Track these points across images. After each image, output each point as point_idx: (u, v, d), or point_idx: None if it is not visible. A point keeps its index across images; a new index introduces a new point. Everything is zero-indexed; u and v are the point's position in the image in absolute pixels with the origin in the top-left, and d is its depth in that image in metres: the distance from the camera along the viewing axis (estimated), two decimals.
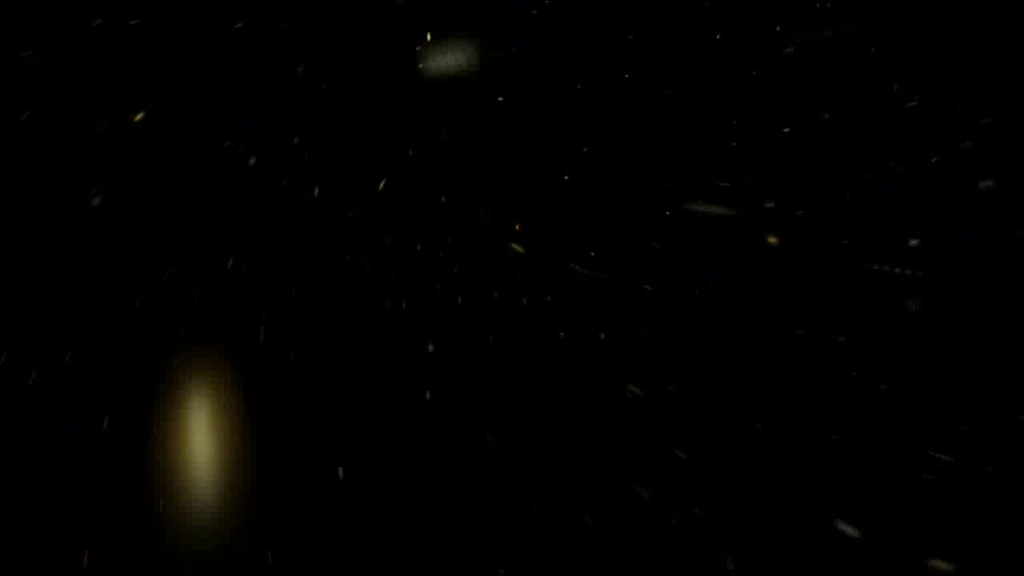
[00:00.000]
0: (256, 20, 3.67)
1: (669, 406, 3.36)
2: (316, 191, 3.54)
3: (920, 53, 3.25)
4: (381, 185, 3.50)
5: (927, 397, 3.26)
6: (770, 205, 3.01)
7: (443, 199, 3.55)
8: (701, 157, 3.31)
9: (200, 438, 3.38)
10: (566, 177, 3.55)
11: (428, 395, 3.48)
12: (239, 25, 3.53)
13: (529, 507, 3.43)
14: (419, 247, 3.55)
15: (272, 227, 3.67)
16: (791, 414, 3.32)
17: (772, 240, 3.01)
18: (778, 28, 3.46)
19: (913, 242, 2.84)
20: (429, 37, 3.51)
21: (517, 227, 3.56)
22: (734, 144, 3.20)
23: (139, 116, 3.48)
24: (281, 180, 3.63)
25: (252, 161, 3.52)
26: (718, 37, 3.66)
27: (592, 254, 3.49)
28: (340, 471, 3.27)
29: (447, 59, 3.13)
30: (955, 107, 2.90)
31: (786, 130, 3.06)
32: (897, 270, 2.89)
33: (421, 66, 3.36)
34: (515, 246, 3.13)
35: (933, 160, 2.89)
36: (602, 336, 3.52)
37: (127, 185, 3.59)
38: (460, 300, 3.46)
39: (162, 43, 3.62)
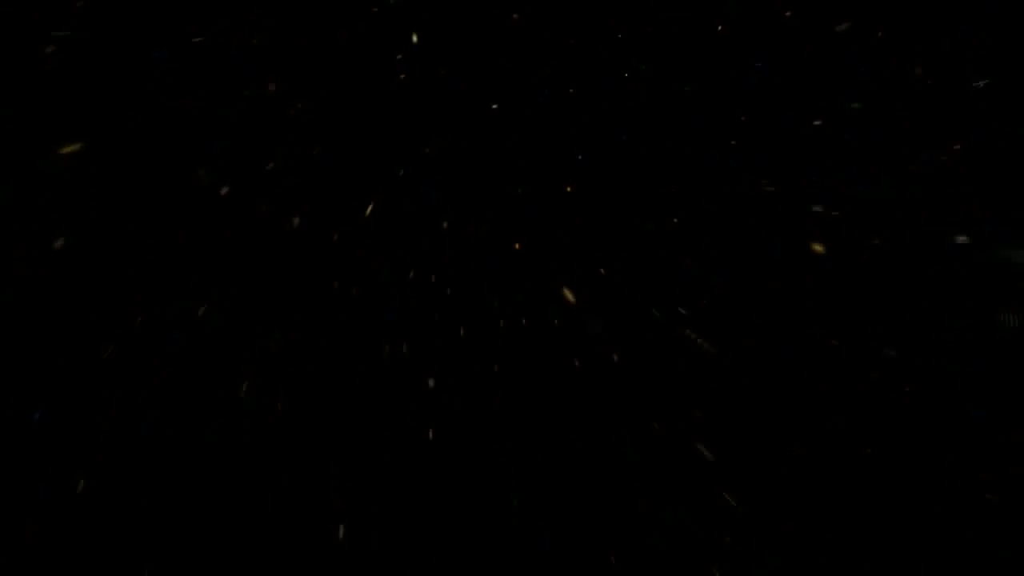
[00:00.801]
0: (221, 36, 3.40)
1: (696, 434, 3.08)
2: (296, 219, 3.25)
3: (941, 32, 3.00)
4: (368, 210, 3.21)
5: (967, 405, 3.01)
6: (817, 209, 2.74)
7: (435, 219, 3.27)
8: (728, 159, 3.04)
9: (182, 498, 3.09)
10: (568, 189, 3.28)
11: (431, 434, 3.20)
12: (199, 40, 3.24)
13: (543, 546, 3.16)
14: (412, 272, 3.27)
15: (252, 260, 3.39)
16: (830, 433, 3.06)
17: (817, 248, 2.74)
18: (788, 14, 3.20)
19: (961, 239, 2.58)
20: (415, 39, 3.23)
21: (517, 246, 3.28)
22: (756, 141, 2.94)
23: (91, 146, 3.19)
24: (258, 209, 3.34)
25: (224, 191, 3.23)
26: (720, 28, 3.40)
27: (601, 271, 3.21)
28: (340, 530, 2.99)
29: None
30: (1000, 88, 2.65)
31: (817, 123, 2.80)
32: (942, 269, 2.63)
33: None
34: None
35: (978, 149, 2.64)
36: (616, 358, 3.24)
37: (90, 224, 3.31)
38: (462, 330, 3.17)
39: (118, 65, 3.35)
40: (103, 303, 3.22)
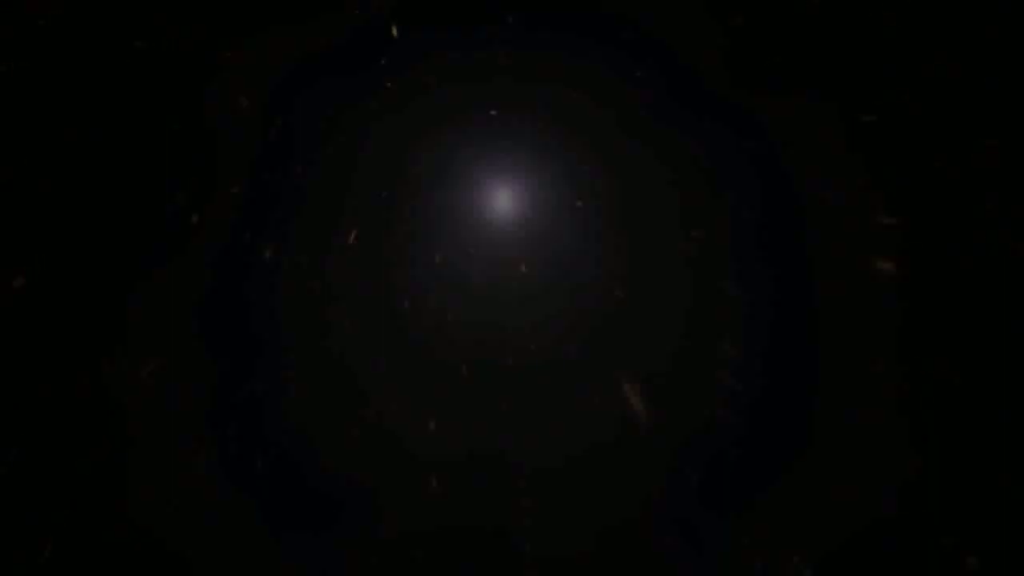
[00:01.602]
0: (196, 50, 3.11)
1: (728, 473, 2.74)
2: (270, 249, 2.92)
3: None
4: (352, 237, 2.89)
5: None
6: (889, 221, 2.41)
7: (429, 243, 2.94)
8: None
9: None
10: (579, 203, 2.94)
11: (435, 482, 2.87)
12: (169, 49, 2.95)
13: None
14: (407, 302, 2.94)
15: (234, 292, 3.08)
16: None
17: (885, 265, 2.41)
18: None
19: None
20: (395, 32, 2.91)
21: (523, 267, 2.95)
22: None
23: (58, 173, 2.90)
24: (235, 236, 3.03)
25: (195, 218, 2.92)
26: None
27: (618, 294, 2.88)
28: None
29: None
30: None
31: (869, 119, 2.47)
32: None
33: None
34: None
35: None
36: (631, 385, 2.90)
37: (54, 258, 2.99)
38: (464, 367, 2.84)
39: (86, 84, 3.07)
40: (67, 346, 2.91)
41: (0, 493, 2.83)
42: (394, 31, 2.84)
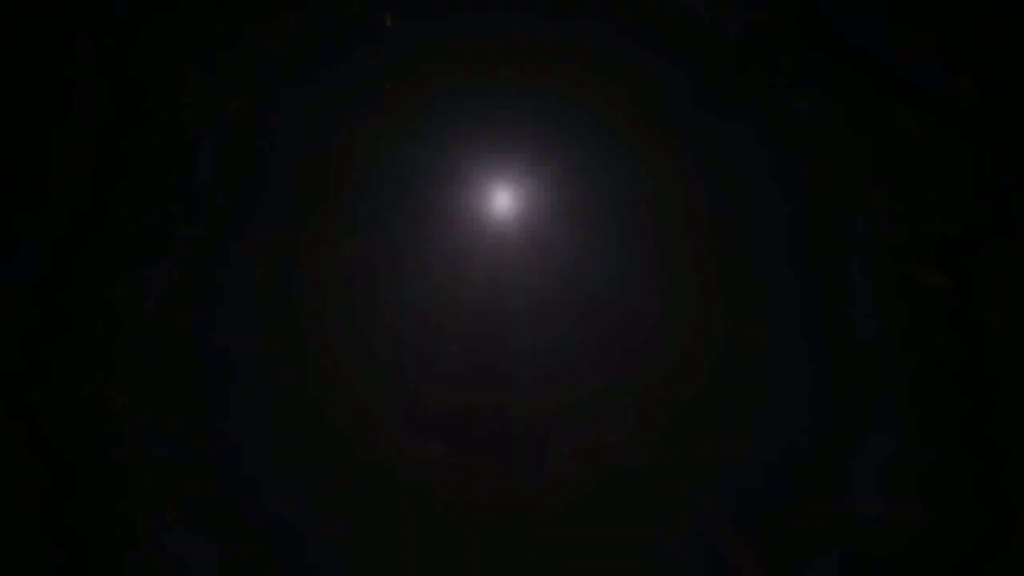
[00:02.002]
0: (186, 52, 2.95)
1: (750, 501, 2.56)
2: (265, 267, 2.76)
3: None
4: (349, 248, 2.72)
5: None
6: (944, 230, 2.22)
7: (428, 253, 2.76)
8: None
9: None
10: (587, 208, 2.74)
11: (440, 509, 2.70)
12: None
13: None
14: (407, 318, 2.76)
15: (230, 300, 2.94)
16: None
17: (938, 280, 2.22)
18: None
19: None
20: (390, 21, 2.74)
21: (531, 279, 2.76)
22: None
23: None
24: (230, 246, 2.88)
25: (185, 228, 2.75)
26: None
27: (631, 307, 2.69)
28: None
29: None
30: None
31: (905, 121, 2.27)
32: None
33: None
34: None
35: None
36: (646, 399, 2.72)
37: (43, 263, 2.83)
38: (465, 393, 2.66)
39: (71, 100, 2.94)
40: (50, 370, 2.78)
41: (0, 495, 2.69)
42: (390, 21, 2.65)
